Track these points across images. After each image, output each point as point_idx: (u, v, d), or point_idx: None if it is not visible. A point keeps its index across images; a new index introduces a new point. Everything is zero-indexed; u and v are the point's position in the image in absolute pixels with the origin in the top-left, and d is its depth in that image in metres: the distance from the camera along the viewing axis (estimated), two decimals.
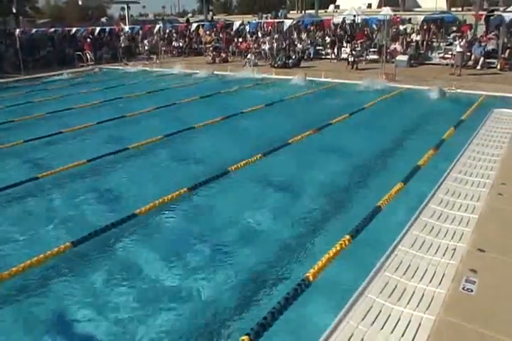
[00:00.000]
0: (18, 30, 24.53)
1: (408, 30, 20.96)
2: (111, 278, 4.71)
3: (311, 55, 20.96)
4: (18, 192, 6.86)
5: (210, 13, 41.42)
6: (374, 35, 20.88)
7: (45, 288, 4.60)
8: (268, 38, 22.61)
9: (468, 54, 17.43)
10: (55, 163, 7.94)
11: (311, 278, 4.01)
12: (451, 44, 18.43)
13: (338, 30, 21.79)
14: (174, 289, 4.50)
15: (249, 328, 3.47)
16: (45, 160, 8.53)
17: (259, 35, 23.82)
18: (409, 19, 22.69)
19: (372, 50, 20.44)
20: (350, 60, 18.46)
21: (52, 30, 26.61)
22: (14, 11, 31.15)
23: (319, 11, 34.19)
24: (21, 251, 5.25)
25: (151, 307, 4.25)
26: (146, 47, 26.53)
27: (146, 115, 11.71)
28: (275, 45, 21.37)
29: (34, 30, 26.55)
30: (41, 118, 11.81)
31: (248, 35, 23.65)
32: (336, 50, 20.82)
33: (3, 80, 18.81)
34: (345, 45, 21.13)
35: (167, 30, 27.27)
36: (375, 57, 19.69)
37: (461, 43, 16.07)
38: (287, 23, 22.30)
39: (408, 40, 19.63)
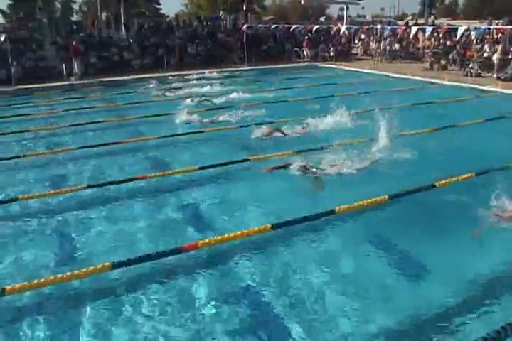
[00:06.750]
0: (245, 26, 26.90)
1: None
2: None
3: None
4: None
5: (432, 16, 39.28)
6: None
7: None
8: (498, 46, 20.46)
9: None
10: None
11: None
12: None
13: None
14: None
15: None
16: None
17: (486, 42, 21.70)
18: None
19: None
20: None
21: (274, 26, 28.54)
22: (244, 8, 34.12)
23: None
24: None
25: None
26: (360, 48, 26.57)
27: None
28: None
29: (259, 26, 28.84)
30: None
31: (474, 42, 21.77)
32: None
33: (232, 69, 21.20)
34: None
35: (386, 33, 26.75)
36: None
37: None
38: None
39: None
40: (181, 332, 3.96)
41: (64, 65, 19.44)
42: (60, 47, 20.90)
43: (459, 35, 22.13)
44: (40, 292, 4.52)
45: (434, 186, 6.62)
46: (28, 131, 11.24)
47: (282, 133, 9.70)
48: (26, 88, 17.34)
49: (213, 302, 4.33)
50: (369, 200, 6.08)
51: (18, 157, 8.97)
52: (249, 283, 4.66)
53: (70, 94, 16.60)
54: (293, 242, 5.42)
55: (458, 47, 21.75)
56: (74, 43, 19.84)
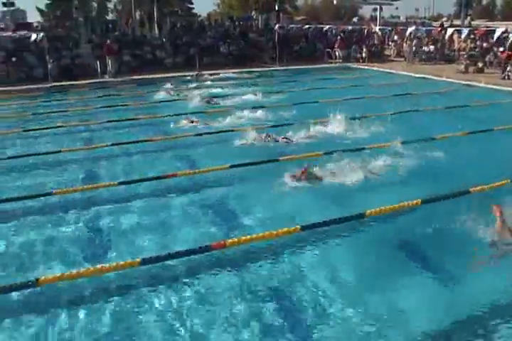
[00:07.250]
0: (277, 26, 26.85)
1: None
2: None
3: None
4: None
5: (468, 18, 38.41)
6: None
7: None
8: None
9: None
10: None
11: None
12: None
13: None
14: None
15: None
16: None
17: None
18: None
19: None
20: None
21: (307, 26, 28.39)
22: (276, 8, 34.11)
23: None
24: None
25: None
26: (393, 50, 26.22)
27: None
28: None
29: (291, 26, 28.76)
30: None
31: None
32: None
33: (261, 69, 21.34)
34: None
35: (418, 34, 26.33)
36: None
37: None
38: None
39: None
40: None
41: (98, 63, 19.82)
42: (95, 45, 21.34)
43: (495, 37, 21.57)
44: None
45: (468, 192, 6.45)
46: (61, 126, 11.52)
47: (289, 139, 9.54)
48: (61, 85, 17.77)
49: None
50: (401, 204, 5.97)
51: (52, 152, 9.19)
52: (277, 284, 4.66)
53: (104, 91, 16.93)
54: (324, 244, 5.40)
55: (495, 49, 21.22)
56: (108, 42, 20.21)
